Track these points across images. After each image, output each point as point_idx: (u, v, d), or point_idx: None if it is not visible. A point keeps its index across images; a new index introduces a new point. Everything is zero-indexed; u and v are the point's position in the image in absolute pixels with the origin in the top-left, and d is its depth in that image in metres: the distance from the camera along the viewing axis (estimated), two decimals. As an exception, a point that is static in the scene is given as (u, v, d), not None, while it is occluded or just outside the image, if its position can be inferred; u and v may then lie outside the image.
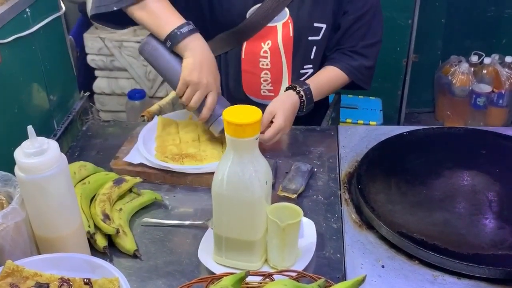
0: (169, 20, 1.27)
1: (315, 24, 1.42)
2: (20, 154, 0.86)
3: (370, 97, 2.69)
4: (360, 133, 1.44)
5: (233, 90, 1.53)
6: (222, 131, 1.31)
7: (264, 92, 1.50)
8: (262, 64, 1.45)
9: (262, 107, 1.50)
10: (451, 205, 1.13)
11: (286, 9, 1.41)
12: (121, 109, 2.69)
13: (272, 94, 1.49)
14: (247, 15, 1.41)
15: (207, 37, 1.51)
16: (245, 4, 1.41)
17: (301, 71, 1.48)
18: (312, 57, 1.47)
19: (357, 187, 1.18)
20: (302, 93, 1.38)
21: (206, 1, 1.42)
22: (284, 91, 1.42)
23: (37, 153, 0.86)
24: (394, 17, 2.52)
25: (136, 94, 2.55)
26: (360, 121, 2.50)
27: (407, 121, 3.00)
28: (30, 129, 0.87)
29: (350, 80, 1.48)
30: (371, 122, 2.50)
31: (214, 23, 1.46)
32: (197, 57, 1.26)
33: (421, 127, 1.40)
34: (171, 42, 1.26)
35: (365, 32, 1.46)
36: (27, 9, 1.24)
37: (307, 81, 1.42)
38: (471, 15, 2.94)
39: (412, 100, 2.92)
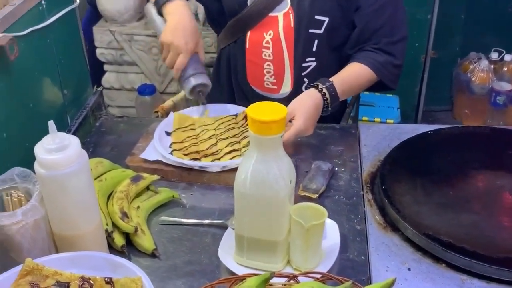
0: None
1: (316, 17, 1.42)
2: (41, 149, 0.87)
3: (387, 94, 2.68)
4: (382, 131, 1.43)
5: (240, 81, 1.56)
6: (192, 91, 1.40)
7: (267, 84, 1.51)
8: (265, 55, 1.48)
9: (266, 100, 1.50)
10: (478, 206, 1.13)
11: None
12: (130, 104, 2.69)
13: (275, 87, 1.51)
14: (248, 3, 1.45)
15: (218, 26, 1.60)
16: None
17: (304, 64, 1.48)
18: (314, 49, 1.46)
19: (381, 187, 1.18)
20: (324, 90, 1.36)
21: None
22: (306, 89, 1.42)
23: (58, 149, 0.86)
24: (412, 11, 2.50)
25: (146, 89, 2.56)
26: (377, 119, 2.50)
27: (424, 120, 2.99)
28: (51, 124, 0.88)
29: (377, 78, 1.45)
30: (388, 120, 2.49)
31: (220, 11, 1.53)
32: (174, 21, 1.37)
33: (445, 126, 1.40)
34: (156, 5, 1.41)
35: (387, 28, 1.44)
36: (43, 1, 1.24)
37: (331, 78, 1.40)
38: (491, 11, 2.92)
39: (429, 98, 2.90)
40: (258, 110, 0.91)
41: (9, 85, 1.11)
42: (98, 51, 2.60)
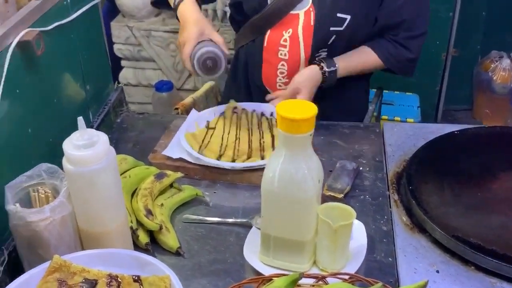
0: None
1: (338, 15, 1.41)
2: (69, 145, 0.87)
3: (407, 93, 2.66)
4: (407, 130, 1.42)
5: (256, 80, 1.56)
6: (203, 65, 1.28)
7: (280, 86, 1.51)
8: (281, 54, 1.47)
9: None
10: (508, 208, 1.11)
11: None
12: (147, 101, 2.70)
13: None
14: (269, 1, 1.44)
15: (237, 25, 1.59)
16: None
17: (316, 56, 1.47)
18: (329, 42, 1.46)
19: (407, 188, 1.17)
20: (327, 74, 1.42)
21: None
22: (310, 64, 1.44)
23: (87, 145, 0.86)
24: (434, 8, 2.47)
25: (163, 86, 2.57)
26: (397, 118, 2.48)
27: (443, 119, 2.97)
28: (80, 120, 0.88)
29: (385, 67, 1.50)
30: (408, 119, 2.47)
31: (239, 11, 1.52)
32: (182, 22, 1.36)
33: (472, 126, 1.38)
34: (173, 7, 1.40)
35: (408, 24, 1.44)
36: (67, -4, 1.25)
37: (338, 59, 1.44)
38: (513, 8, 2.90)
39: (449, 97, 2.88)
40: (287, 108, 0.91)
41: (35, 81, 1.11)
42: (115, 46, 2.61)
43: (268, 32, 1.47)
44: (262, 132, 1.36)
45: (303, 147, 0.93)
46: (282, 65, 1.48)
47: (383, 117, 2.48)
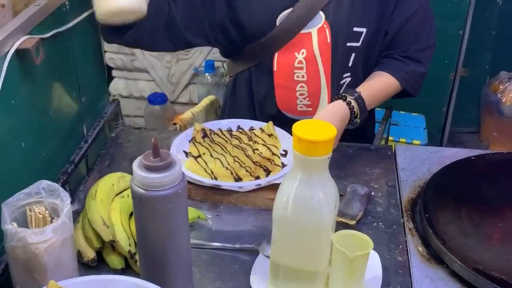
0: None
1: (355, 29, 1.40)
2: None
3: (412, 113, 2.67)
4: (420, 154, 1.42)
5: (268, 108, 1.52)
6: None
7: (301, 107, 1.47)
8: (297, 76, 1.42)
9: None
10: (531, 240, 1.11)
11: (321, 13, 1.39)
12: (139, 114, 2.68)
13: (310, 109, 1.46)
14: (277, 22, 1.39)
15: (236, 51, 1.51)
16: (274, 9, 1.39)
17: (341, 82, 1.47)
18: (350, 64, 1.45)
19: (424, 215, 1.16)
20: (353, 103, 1.37)
21: (230, 9, 1.41)
22: (332, 101, 1.40)
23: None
24: (443, 26, 2.50)
25: (156, 98, 2.55)
26: (402, 139, 2.48)
27: (449, 142, 2.98)
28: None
29: (402, 88, 1.49)
30: (414, 141, 2.47)
31: (242, 34, 1.45)
32: None
33: (490, 152, 1.39)
34: None
35: (417, 35, 1.46)
36: (66, 2, 1.24)
37: (357, 89, 1.41)
38: (524, 27, 2.93)
39: (456, 118, 2.89)
40: (304, 129, 0.90)
41: (32, 91, 1.10)
42: (107, 55, 2.60)
43: (276, 55, 1.42)
44: (250, 147, 1.36)
45: (320, 170, 0.92)
46: (301, 87, 1.43)
47: (389, 138, 2.48)
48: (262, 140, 1.39)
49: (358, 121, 1.40)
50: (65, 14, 1.24)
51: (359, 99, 1.38)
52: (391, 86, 1.48)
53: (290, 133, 1.45)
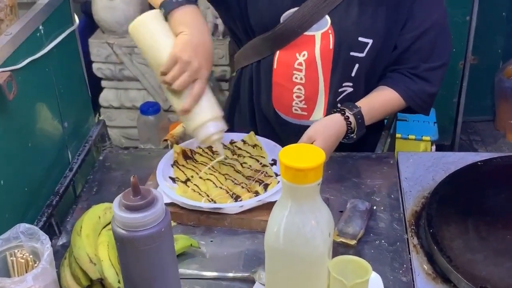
0: None
1: (360, 39, 1.40)
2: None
3: (422, 108, 2.66)
4: (424, 161, 1.43)
5: (263, 105, 1.54)
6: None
7: (296, 110, 1.49)
8: (296, 78, 1.45)
9: (292, 126, 1.52)
10: (543, 254, 1.11)
11: (327, 17, 1.40)
12: (131, 124, 2.70)
13: (305, 113, 1.49)
14: (281, 19, 1.42)
15: (240, 43, 1.56)
16: (281, 6, 1.41)
17: (340, 90, 1.47)
18: (353, 74, 1.45)
19: (428, 230, 1.16)
20: (351, 119, 1.38)
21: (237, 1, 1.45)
22: (331, 113, 1.41)
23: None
24: (449, 13, 2.47)
25: (149, 108, 2.57)
26: (411, 136, 2.48)
27: (463, 132, 2.97)
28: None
29: (407, 105, 1.48)
30: (424, 137, 2.47)
31: (245, 27, 1.49)
32: (195, 36, 1.24)
33: (497, 155, 1.38)
34: (165, 9, 1.25)
35: (428, 53, 1.44)
36: (40, 27, 1.25)
37: (358, 103, 1.41)
38: (537, 8, 2.91)
39: (469, 108, 2.88)
40: (291, 155, 0.90)
41: (7, 126, 1.12)
42: (94, 66, 2.62)
43: (278, 53, 1.45)
44: (237, 161, 1.38)
45: (310, 197, 0.92)
46: (299, 89, 1.45)
47: (397, 135, 2.48)
48: (247, 152, 1.41)
49: (355, 137, 1.40)
50: (39, 39, 1.25)
51: (358, 115, 1.39)
52: (395, 104, 1.47)
53: (280, 137, 1.49)
